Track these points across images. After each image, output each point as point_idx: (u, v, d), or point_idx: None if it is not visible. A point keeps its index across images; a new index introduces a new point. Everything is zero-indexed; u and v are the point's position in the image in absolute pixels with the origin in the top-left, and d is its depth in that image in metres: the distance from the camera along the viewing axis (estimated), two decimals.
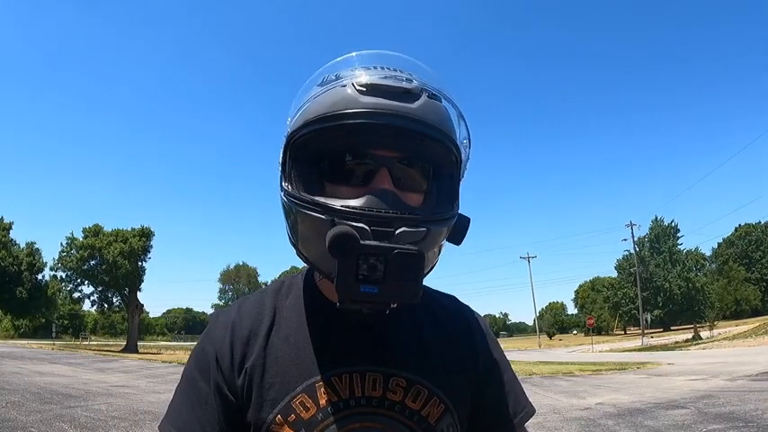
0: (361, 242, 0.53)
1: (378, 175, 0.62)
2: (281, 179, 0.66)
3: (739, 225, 64.12)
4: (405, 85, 0.61)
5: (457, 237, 0.67)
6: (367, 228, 0.56)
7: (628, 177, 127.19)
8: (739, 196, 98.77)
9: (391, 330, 0.71)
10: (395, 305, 0.58)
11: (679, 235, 55.58)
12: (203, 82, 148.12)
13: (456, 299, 0.84)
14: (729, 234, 64.81)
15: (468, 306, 0.84)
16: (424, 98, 0.62)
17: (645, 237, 54.94)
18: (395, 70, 0.64)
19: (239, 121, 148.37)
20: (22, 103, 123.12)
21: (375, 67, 0.64)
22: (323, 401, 0.65)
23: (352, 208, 0.58)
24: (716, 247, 66.33)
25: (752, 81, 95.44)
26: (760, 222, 61.29)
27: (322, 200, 0.60)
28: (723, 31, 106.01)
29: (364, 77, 0.62)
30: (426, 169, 0.67)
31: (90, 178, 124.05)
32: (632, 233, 47.31)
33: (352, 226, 0.56)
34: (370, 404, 0.66)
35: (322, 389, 0.66)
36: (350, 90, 0.61)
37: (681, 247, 54.93)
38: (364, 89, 0.60)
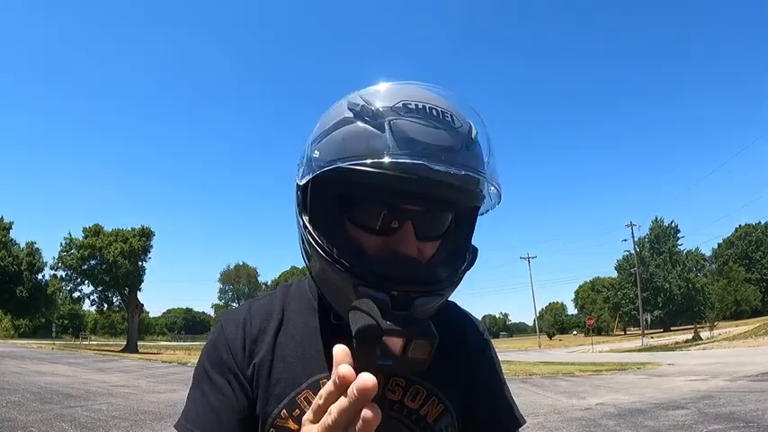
0: (384, 328, 0.53)
1: (402, 230, 0.62)
2: (298, 205, 0.66)
3: (739, 225, 64.18)
4: (445, 141, 0.59)
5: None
6: (388, 301, 0.56)
7: (628, 177, 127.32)
8: (739, 197, 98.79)
9: None
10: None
11: (679, 235, 55.75)
12: (204, 82, 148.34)
13: (455, 305, 0.85)
14: (729, 234, 64.87)
15: (467, 312, 0.85)
16: (462, 153, 0.60)
17: (645, 237, 55.08)
18: (436, 114, 0.61)
19: (239, 122, 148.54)
20: (23, 104, 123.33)
21: (417, 108, 0.60)
22: None
23: (376, 276, 0.58)
24: (716, 247, 66.45)
25: (752, 81, 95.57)
26: (760, 223, 61.30)
27: (343, 259, 0.60)
28: (723, 30, 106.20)
29: (407, 128, 0.58)
30: (448, 217, 0.67)
31: (90, 178, 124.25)
32: (632, 233, 47.45)
33: (373, 297, 0.56)
34: None
35: None
36: (390, 143, 0.58)
37: (681, 248, 55.07)
38: (404, 143, 0.57)
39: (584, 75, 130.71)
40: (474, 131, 0.63)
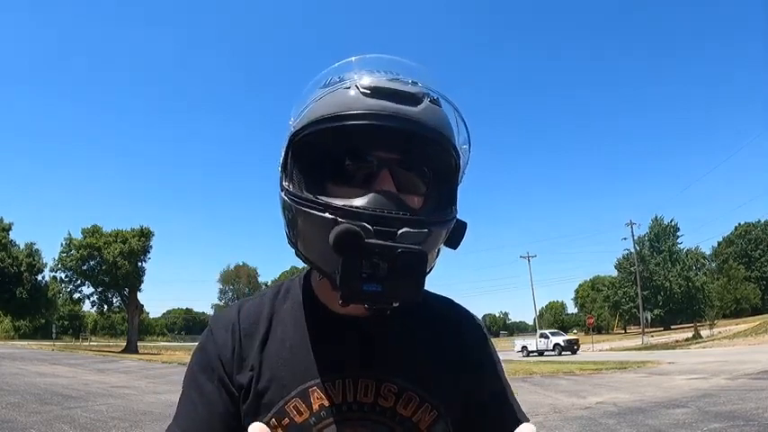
0: (366, 240, 0.53)
1: (380, 176, 0.62)
2: (281, 178, 0.66)
3: (739, 224, 64.14)
4: (408, 88, 0.62)
5: (454, 241, 0.66)
6: (370, 227, 0.56)
7: (628, 176, 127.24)
8: (739, 195, 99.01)
9: (384, 337, 0.71)
10: (396, 304, 0.58)
11: (679, 234, 55.79)
12: (203, 81, 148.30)
13: (452, 302, 0.82)
14: (729, 233, 64.88)
15: (464, 309, 0.82)
16: (426, 102, 0.62)
17: (645, 236, 55.14)
18: (398, 74, 0.65)
19: (239, 121, 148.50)
20: (22, 103, 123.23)
21: (379, 71, 0.65)
22: (316, 406, 0.66)
23: (356, 207, 0.58)
24: (716, 245, 66.46)
25: (751, 79, 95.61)
26: (759, 221, 61.33)
27: (324, 198, 0.60)
28: (723, 29, 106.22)
29: (368, 80, 0.62)
30: (426, 172, 0.67)
31: (90, 179, 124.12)
32: (632, 232, 47.36)
33: (355, 224, 0.55)
34: (361, 410, 0.67)
35: (315, 394, 0.67)
36: (354, 92, 0.61)
37: (681, 246, 55.11)
38: (368, 91, 0.61)
39: (583, 73, 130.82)
40: (438, 96, 0.65)
